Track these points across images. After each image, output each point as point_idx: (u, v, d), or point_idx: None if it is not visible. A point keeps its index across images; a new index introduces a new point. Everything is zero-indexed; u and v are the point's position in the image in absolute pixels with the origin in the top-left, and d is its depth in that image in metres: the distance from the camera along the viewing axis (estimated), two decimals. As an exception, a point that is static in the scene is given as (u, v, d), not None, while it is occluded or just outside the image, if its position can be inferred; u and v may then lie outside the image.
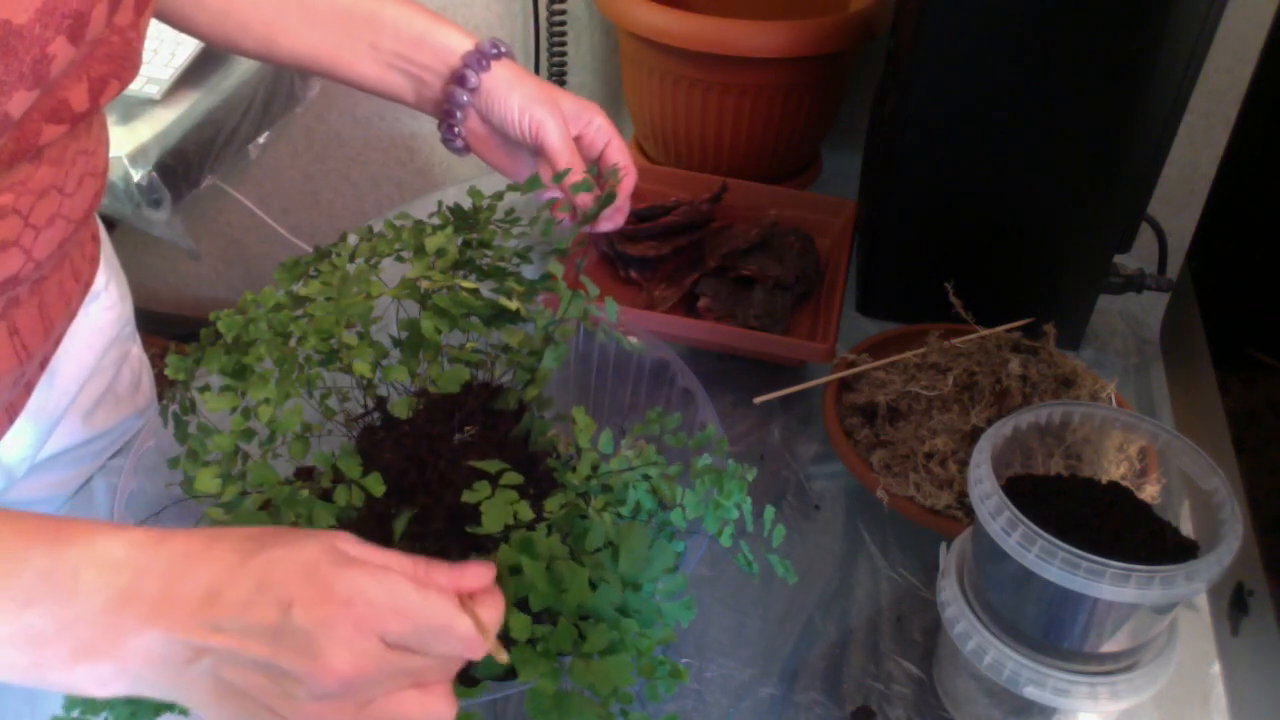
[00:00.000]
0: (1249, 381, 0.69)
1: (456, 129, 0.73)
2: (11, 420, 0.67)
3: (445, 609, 0.41)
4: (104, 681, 0.40)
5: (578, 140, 0.73)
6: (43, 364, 0.69)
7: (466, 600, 0.43)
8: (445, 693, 0.42)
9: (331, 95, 1.39)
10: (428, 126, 1.39)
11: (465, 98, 0.71)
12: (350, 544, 0.42)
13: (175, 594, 0.40)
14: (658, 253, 0.95)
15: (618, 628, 0.49)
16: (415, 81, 0.73)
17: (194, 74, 1.19)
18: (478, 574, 0.44)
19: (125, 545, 0.41)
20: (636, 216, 0.96)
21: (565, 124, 0.71)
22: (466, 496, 0.51)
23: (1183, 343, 0.83)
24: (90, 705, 0.46)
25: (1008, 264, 0.87)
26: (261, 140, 1.28)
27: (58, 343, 0.70)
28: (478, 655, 0.42)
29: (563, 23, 1.19)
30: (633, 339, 0.71)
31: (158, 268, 1.66)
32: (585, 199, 0.70)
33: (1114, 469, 0.64)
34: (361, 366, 0.58)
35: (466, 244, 0.65)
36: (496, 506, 0.51)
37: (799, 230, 0.97)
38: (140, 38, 0.59)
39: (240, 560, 0.40)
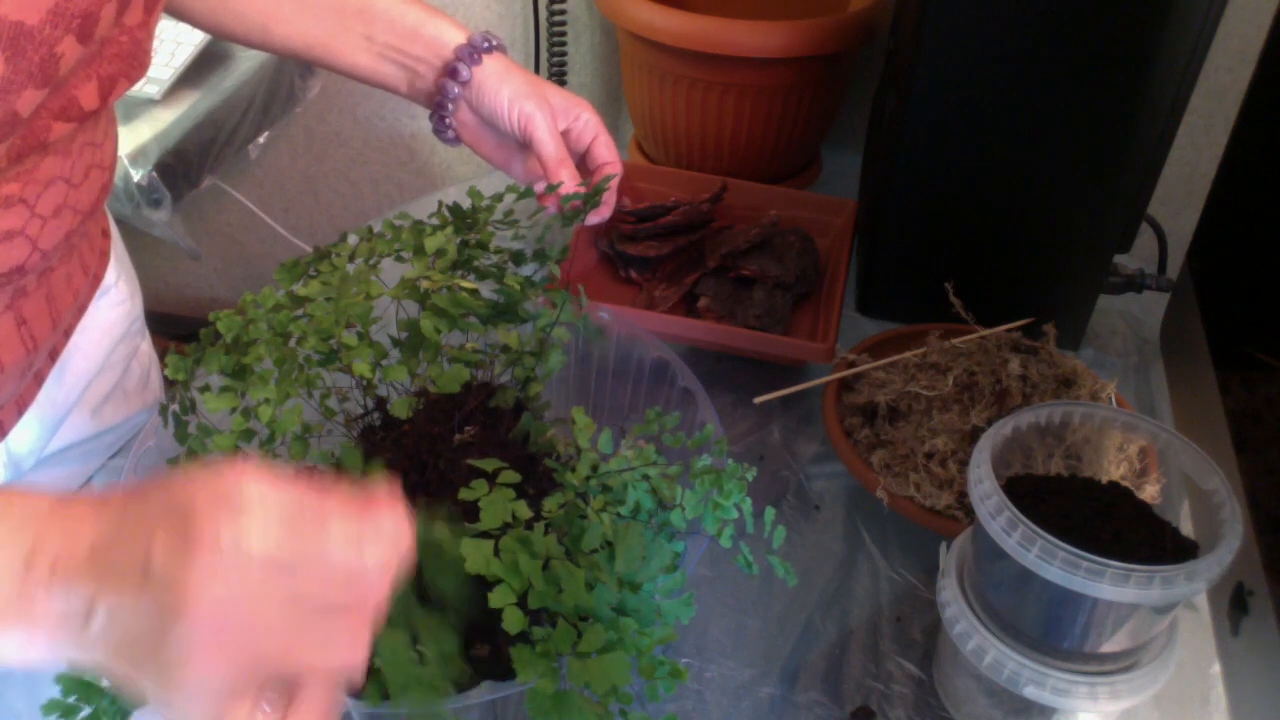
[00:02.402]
0: (1249, 381, 0.69)
1: (447, 120, 0.74)
2: (21, 412, 0.68)
3: (313, 514, 0.38)
4: (21, 647, 0.40)
5: (565, 134, 0.74)
6: (52, 356, 0.70)
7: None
8: (357, 624, 0.39)
9: (331, 95, 1.39)
10: (428, 127, 1.39)
11: (456, 90, 0.72)
12: (242, 472, 0.39)
13: (70, 550, 0.39)
14: (658, 253, 0.95)
15: (615, 627, 0.49)
16: (408, 73, 0.73)
17: (194, 74, 1.19)
18: (376, 488, 0.41)
19: (30, 510, 0.40)
20: (636, 216, 0.96)
21: (553, 117, 0.72)
22: (463, 494, 0.51)
23: (1183, 343, 0.83)
24: (86, 692, 0.46)
25: (1008, 264, 0.87)
26: (261, 140, 1.28)
27: (67, 335, 0.71)
28: (364, 591, 0.39)
29: (563, 23, 1.19)
30: (604, 314, 0.71)
31: (158, 268, 1.66)
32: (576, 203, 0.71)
33: (1114, 469, 0.64)
34: (361, 367, 0.58)
35: (465, 244, 0.65)
36: (495, 504, 0.51)
37: (799, 230, 0.97)
38: (149, 37, 0.59)
39: (124, 506, 0.40)
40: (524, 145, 0.73)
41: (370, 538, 0.39)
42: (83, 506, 0.41)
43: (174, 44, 1.18)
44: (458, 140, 0.76)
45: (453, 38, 0.72)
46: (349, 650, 0.39)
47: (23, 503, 0.41)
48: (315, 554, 0.38)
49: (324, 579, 0.38)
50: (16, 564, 0.39)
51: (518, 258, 0.67)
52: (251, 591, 0.37)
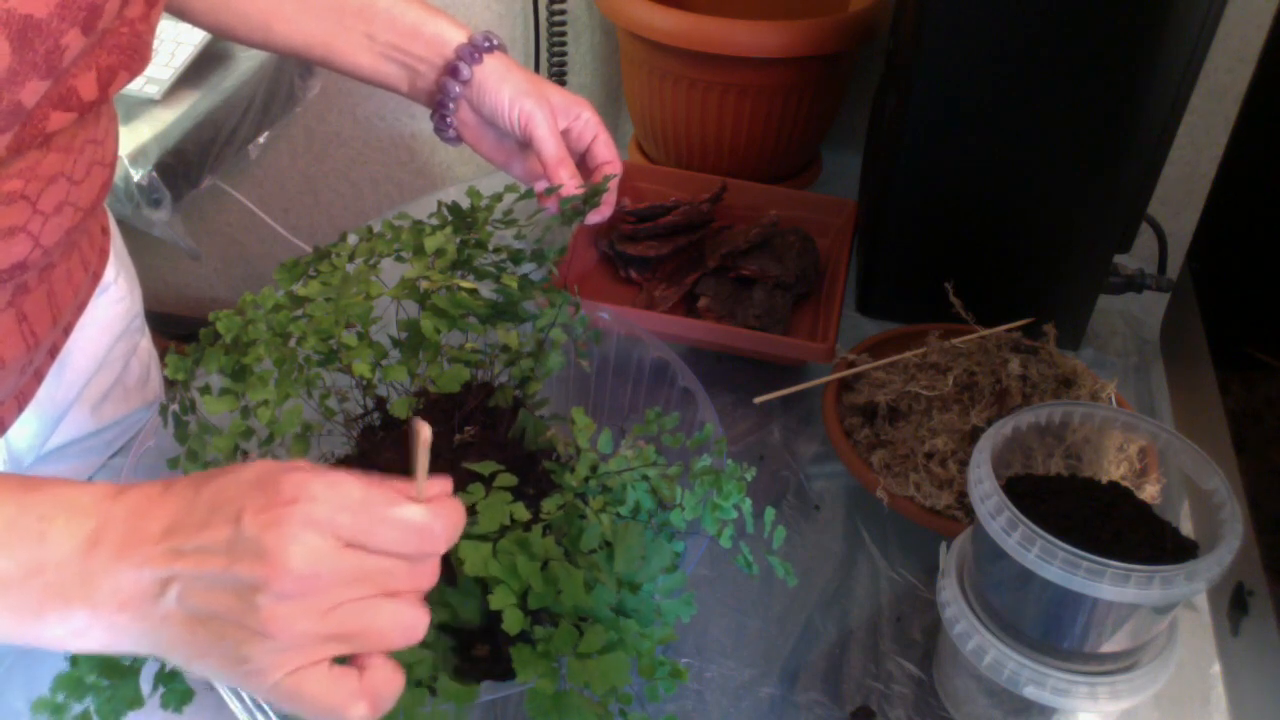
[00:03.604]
0: (1249, 381, 0.69)
1: (449, 119, 0.74)
2: (21, 408, 0.68)
3: (390, 498, 0.41)
4: (79, 632, 0.40)
5: (566, 133, 0.74)
6: (52, 353, 0.70)
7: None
8: (417, 601, 0.42)
9: (331, 95, 1.39)
10: (427, 127, 1.38)
11: (457, 89, 0.72)
12: (305, 463, 0.42)
13: (139, 532, 0.40)
14: (658, 253, 0.95)
15: (616, 628, 0.49)
16: (410, 72, 0.74)
17: (194, 74, 1.19)
18: (434, 484, 0.43)
19: (91, 495, 0.42)
20: (636, 216, 0.96)
21: (554, 116, 0.72)
22: (460, 499, 0.51)
23: (1183, 343, 0.83)
24: (75, 689, 0.46)
25: (1008, 264, 0.87)
26: (261, 140, 1.28)
27: (67, 332, 0.71)
28: (432, 545, 0.42)
29: (563, 23, 1.19)
30: (604, 314, 0.71)
31: (158, 268, 1.66)
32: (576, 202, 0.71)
33: (1114, 469, 0.64)
34: (361, 367, 0.58)
35: (464, 244, 0.65)
36: (493, 507, 0.51)
37: (799, 230, 0.97)
38: (150, 30, 0.59)
39: (194, 493, 0.41)
40: (524, 144, 0.74)
41: (433, 519, 0.42)
42: (145, 491, 0.42)
43: (174, 44, 1.18)
44: (458, 139, 0.77)
45: (453, 36, 0.72)
46: (411, 626, 0.41)
47: (80, 489, 0.42)
48: (383, 518, 0.40)
49: (391, 548, 0.41)
50: (79, 546, 0.40)
51: (516, 257, 0.67)
52: (330, 553, 0.39)
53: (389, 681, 0.41)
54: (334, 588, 0.39)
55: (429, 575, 0.42)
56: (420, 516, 0.41)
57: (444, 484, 0.44)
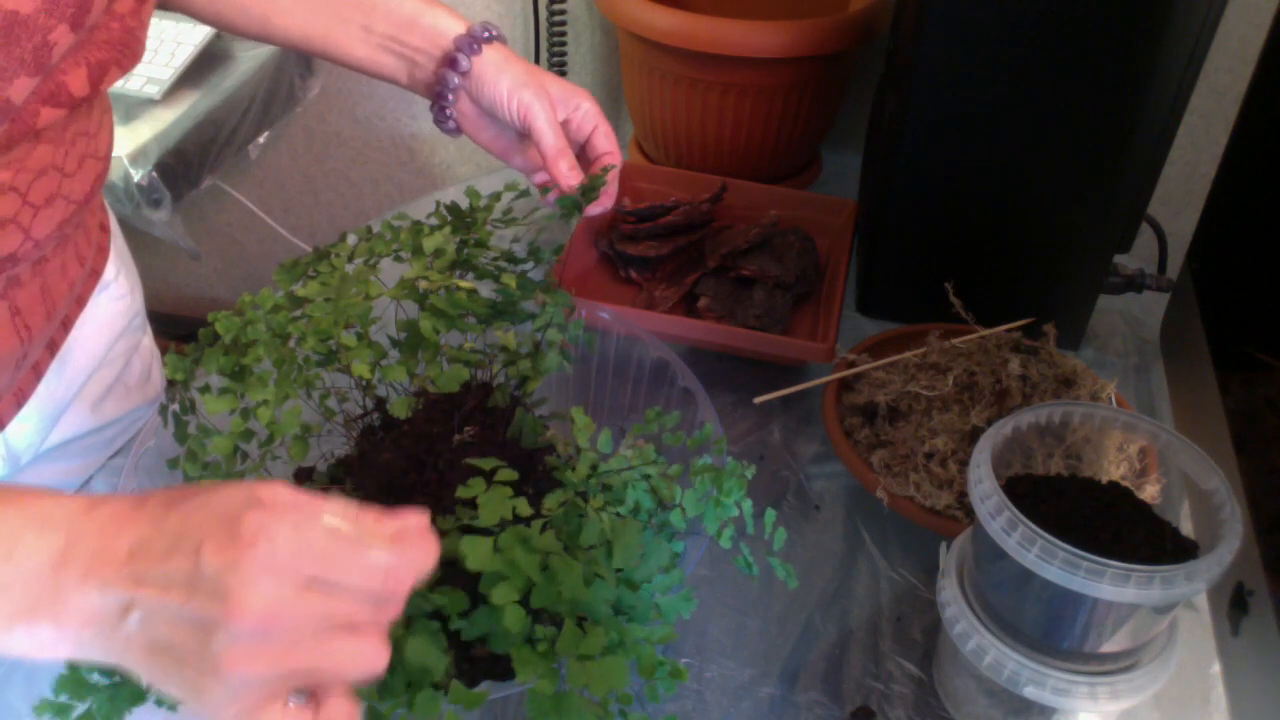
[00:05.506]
0: (1249, 381, 0.69)
1: (448, 110, 0.74)
2: (20, 405, 0.68)
3: (354, 540, 0.40)
4: (47, 645, 0.40)
5: (565, 124, 0.74)
6: (51, 349, 0.70)
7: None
8: (378, 635, 0.41)
9: (331, 95, 1.39)
10: (427, 127, 1.39)
11: (456, 80, 0.72)
12: (278, 490, 0.41)
13: (107, 551, 0.40)
14: (658, 253, 0.95)
15: (616, 628, 0.49)
16: (408, 64, 0.74)
17: (194, 74, 1.19)
18: (409, 516, 0.43)
19: (65, 509, 0.41)
20: (636, 216, 0.96)
21: (553, 107, 0.72)
22: (461, 492, 0.51)
23: (1183, 343, 0.83)
24: (77, 689, 0.46)
25: (1008, 264, 0.87)
26: (261, 140, 1.28)
27: (66, 327, 0.71)
28: (396, 586, 0.41)
29: (563, 23, 1.19)
30: (604, 314, 0.71)
31: (158, 268, 1.66)
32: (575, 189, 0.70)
33: (1114, 469, 0.64)
34: (360, 367, 0.58)
35: (463, 244, 0.65)
36: (493, 501, 0.50)
37: (799, 230, 0.97)
38: (142, 26, 0.59)
39: (164, 514, 0.40)
40: (524, 135, 0.73)
41: (400, 561, 0.41)
42: (117, 507, 0.41)
43: (174, 44, 1.18)
44: (458, 130, 0.76)
45: (451, 28, 0.72)
46: (370, 663, 0.41)
47: (53, 502, 0.42)
48: (346, 561, 0.40)
49: (354, 589, 0.40)
50: (47, 562, 0.40)
51: (510, 257, 0.67)
52: (291, 597, 0.38)
53: (344, 716, 0.41)
54: (293, 629, 0.39)
55: (393, 611, 0.42)
56: (385, 559, 0.40)
57: (420, 518, 0.43)
